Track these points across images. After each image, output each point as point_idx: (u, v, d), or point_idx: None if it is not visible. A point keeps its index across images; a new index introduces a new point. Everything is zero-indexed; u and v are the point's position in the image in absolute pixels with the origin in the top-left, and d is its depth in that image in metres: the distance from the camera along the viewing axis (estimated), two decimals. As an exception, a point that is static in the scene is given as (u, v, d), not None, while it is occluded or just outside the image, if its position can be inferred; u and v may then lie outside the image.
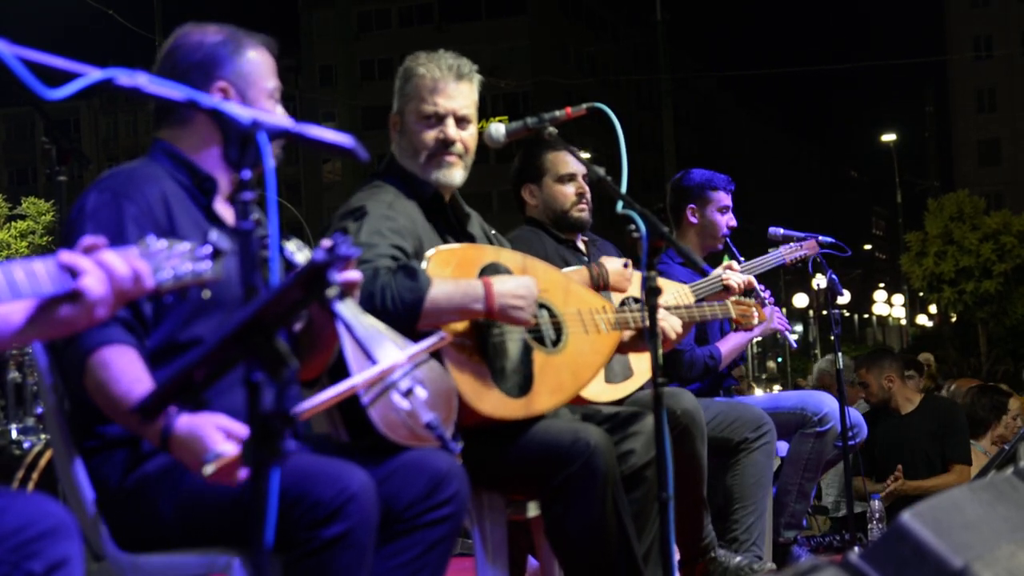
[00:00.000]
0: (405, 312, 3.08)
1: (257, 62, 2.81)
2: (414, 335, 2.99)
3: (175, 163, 2.78)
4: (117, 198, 2.63)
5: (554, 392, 3.38)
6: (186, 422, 2.38)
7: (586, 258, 4.50)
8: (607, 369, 3.88)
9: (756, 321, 4.51)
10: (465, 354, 3.21)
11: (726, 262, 4.65)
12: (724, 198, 5.13)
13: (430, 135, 3.47)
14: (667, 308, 3.85)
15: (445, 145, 3.46)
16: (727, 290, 4.48)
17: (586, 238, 4.62)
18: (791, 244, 5.06)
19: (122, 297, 2.02)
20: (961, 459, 6.85)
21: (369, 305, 3.03)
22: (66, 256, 1.97)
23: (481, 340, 3.26)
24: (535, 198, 4.52)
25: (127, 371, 2.46)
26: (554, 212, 4.49)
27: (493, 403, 3.23)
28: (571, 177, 4.49)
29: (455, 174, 3.50)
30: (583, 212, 4.50)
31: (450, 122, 3.48)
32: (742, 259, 4.98)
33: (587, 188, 4.49)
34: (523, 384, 3.31)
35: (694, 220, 5.13)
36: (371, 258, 3.16)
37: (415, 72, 3.51)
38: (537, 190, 4.51)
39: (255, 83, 2.79)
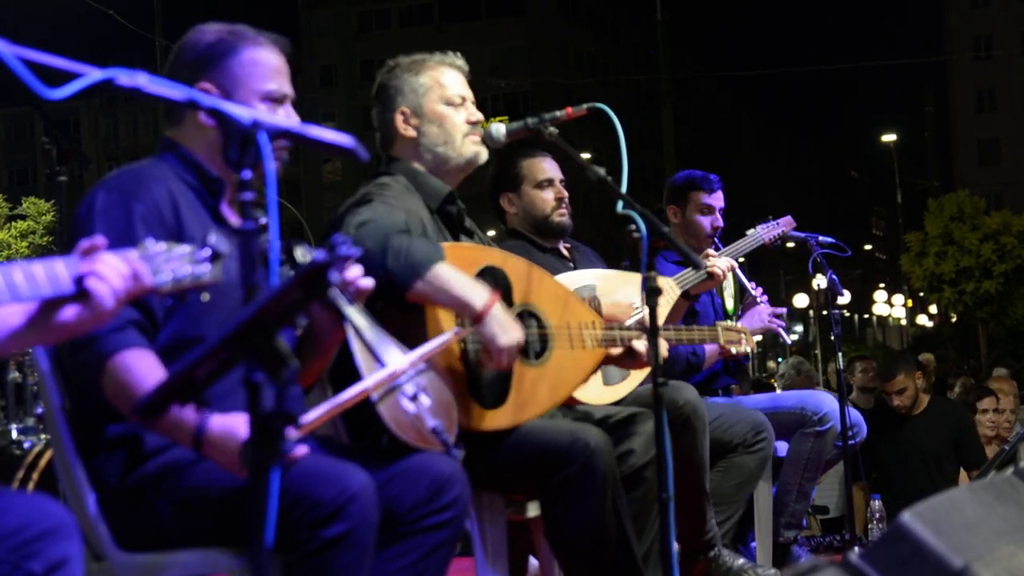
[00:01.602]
0: (410, 268, 3.04)
1: (252, 63, 2.78)
2: (396, 304, 2.96)
3: (183, 163, 2.78)
4: (125, 198, 2.63)
5: (529, 405, 3.32)
6: (219, 422, 2.40)
7: (571, 264, 4.49)
8: (604, 372, 3.86)
9: (744, 348, 4.49)
10: (448, 359, 3.18)
11: (706, 251, 4.65)
12: (705, 198, 5.11)
13: (460, 117, 3.54)
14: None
15: (474, 125, 3.55)
16: (712, 277, 4.48)
17: (569, 244, 4.61)
18: (767, 223, 5.06)
19: (125, 299, 2.02)
20: (978, 463, 6.84)
21: (380, 249, 3.02)
22: (73, 262, 1.97)
23: (464, 347, 3.22)
24: (514, 206, 4.51)
25: (150, 374, 2.47)
26: (534, 219, 4.48)
27: (465, 412, 3.17)
28: (549, 182, 4.48)
29: (485, 152, 3.59)
30: (563, 217, 4.49)
31: (471, 105, 3.57)
32: (736, 243, 4.97)
33: (565, 193, 4.48)
34: (498, 395, 3.27)
35: (675, 220, 5.14)
36: (385, 225, 3.12)
37: (425, 65, 3.57)
38: (516, 198, 4.51)
39: (244, 84, 2.75)
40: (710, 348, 4.82)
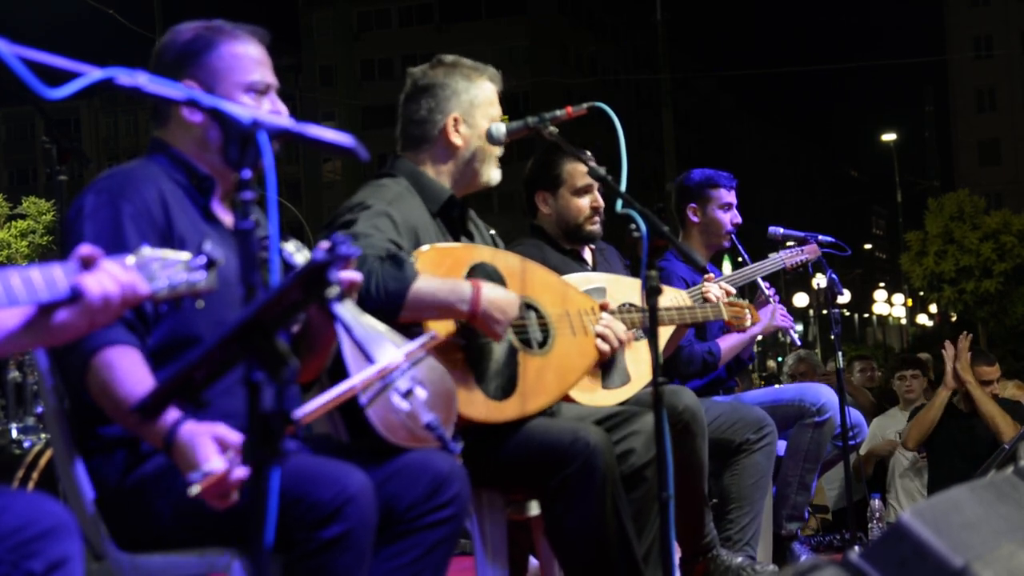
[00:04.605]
0: (387, 301, 3.06)
1: (232, 56, 2.76)
2: (396, 327, 2.99)
3: (172, 162, 2.78)
4: (114, 199, 2.63)
5: (538, 395, 3.34)
6: (188, 430, 2.37)
7: (589, 266, 4.48)
8: (604, 375, 3.86)
9: (749, 323, 4.48)
10: (449, 354, 3.18)
11: (706, 276, 4.60)
12: (725, 195, 5.14)
13: None
14: (661, 308, 3.83)
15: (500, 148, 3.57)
16: (705, 302, 4.44)
17: (593, 246, 4.60)
18: (791, 248, 5.05)
19: (121, 305, 2.02)
20: None
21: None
22: (71, 268, 1.97)
23: (466, 340, 3.23)
24: (548, 207, 4.47)
25: (131, 372, 2.46)
26: (567, 224, 4.45)
27: (475, 405, 3.20)
28: (587, 190, 4.43)
29: (499, 176, 3.61)
30: (595, 225, 4.46)
31: None
32: (748, 257, 4.98)
33: (602, 202, 4.43)
34: (506, 386, 3.28)
35: (695, 219, 5.15)
36: (363, 246, 3.15)
37: (481, 76, 3.55)
38: (551, 199, 4.46)
39: (226, 78, 2.74)
40: (725, 346, 4.82)
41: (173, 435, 2.37)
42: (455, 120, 3.51)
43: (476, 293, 3.14)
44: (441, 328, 3.18)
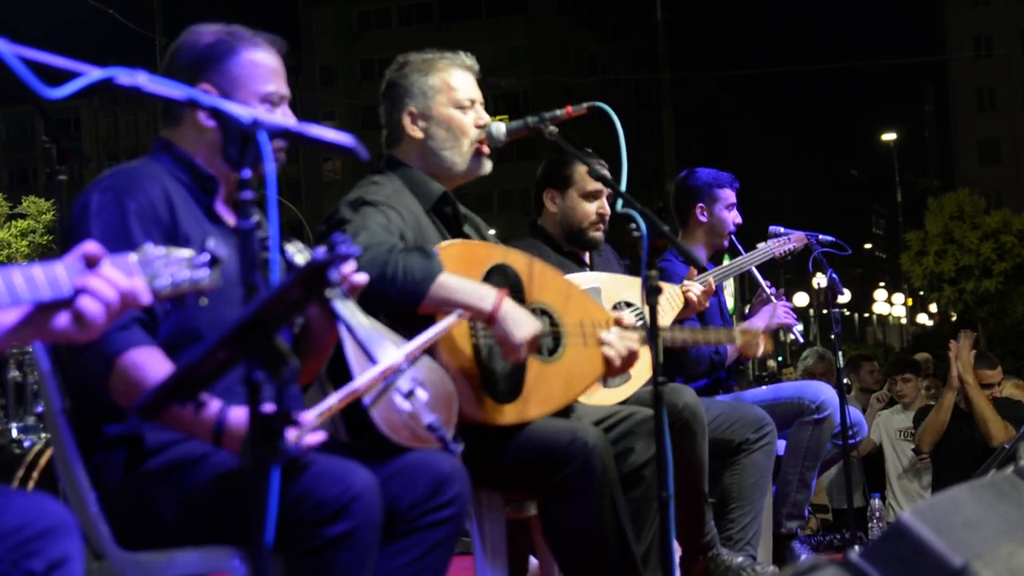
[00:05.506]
0: (412, 288, 3.05)
1: (251, 64, 2.77)
2: (412, 319, 2.98)
3: (176, 162, 2.78)
4: (120, 196, 2.63)
5: (543, 402, 3.33)
6: (235, 416, 2.41)
7: (588, 268, 4.48)
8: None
9: (760, 352, 4.45)
10: (458, 355, 3.19)
11: (688, 274, 4.57)
12: (730, 195, 5.14)
13: (469, 122, 3.52)
14: (670, 331, 3.82)
15: (482, 128, 3.53)
16: (687, 305, 4.41)
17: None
18: (779, 238, 5.05)
19: (122, 309, 2.02)
20: None
21: (379, 275, 3.00)
22: (74, 266, 1.97)
23: (476, 342, 3.23)
24: (555, 206, 4.46)
25: (160, 370, 2.47)
26: (570, 225, 4.44)
27: (479, 407, 3.20)
28: (596, 195, 4.43)
29: (490, 166, 3.57)
30: (598, 232, 4.46)
31: (479, 107, 3.55)
32: (745, 255, 4.97)
33: (608, 209, 4.42)
34: (513, 390, 3.27)
35: (703, 219, 5.13)
36: (384, 236, 3.15)
37: (436, 65, 3.54)
38: (559, 198, 4.46)
39: (244, 86, 2.75)
40: (730, 345, 4.81)
41: (222, 423, 2.41)
42: (411, 114, 3.53)
43: (499, 298, 3.13)
44: (457, 332, 3.17)
